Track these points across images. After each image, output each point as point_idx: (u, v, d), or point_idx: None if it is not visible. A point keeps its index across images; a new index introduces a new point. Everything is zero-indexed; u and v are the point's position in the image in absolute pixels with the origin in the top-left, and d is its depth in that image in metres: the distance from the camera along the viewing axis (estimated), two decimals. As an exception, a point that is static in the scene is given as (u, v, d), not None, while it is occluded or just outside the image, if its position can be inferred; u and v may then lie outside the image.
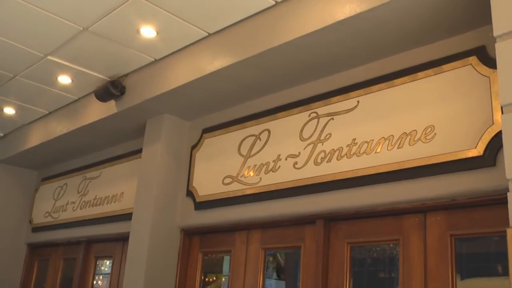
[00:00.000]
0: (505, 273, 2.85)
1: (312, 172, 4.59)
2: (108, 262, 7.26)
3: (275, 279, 5.90)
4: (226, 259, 5.71)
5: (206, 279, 5.92)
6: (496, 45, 3.12)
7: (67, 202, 7.83)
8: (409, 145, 4.00)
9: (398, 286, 4.03)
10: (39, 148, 7.68)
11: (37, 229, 8.35)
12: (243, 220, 5.11)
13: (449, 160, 3.75)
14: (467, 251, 4.03)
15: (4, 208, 8.36)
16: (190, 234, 5.75)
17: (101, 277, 7.48)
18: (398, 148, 4.06)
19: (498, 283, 3.64)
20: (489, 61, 3.66)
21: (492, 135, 3.55)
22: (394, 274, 4.43)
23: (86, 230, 7.20)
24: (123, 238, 6.37)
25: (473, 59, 3.81)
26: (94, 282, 7.34)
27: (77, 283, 7.31)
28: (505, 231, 2.77)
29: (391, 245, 4.95)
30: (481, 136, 3.61)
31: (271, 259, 5.43)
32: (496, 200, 3.46)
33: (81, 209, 7.43)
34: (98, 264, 7.42)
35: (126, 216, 6.25)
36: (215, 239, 5.56)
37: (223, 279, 5.82)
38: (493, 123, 3.57)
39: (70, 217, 7.62)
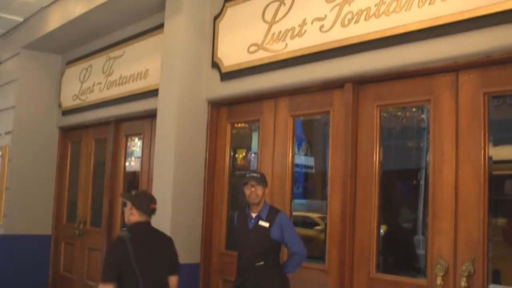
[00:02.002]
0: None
1: (339, 35, 4.44)
2: (139, 143, 7.39)
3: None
4: (255, 135, 5.73)
5: (236, 155, 5.99)
6: None
7: (93, 84, 7.86)
8: (441, 0, 3.79)
9: (428, 153, 4.01)
10: (60, 31, 7.60)
11: (67, 112, 8.48)
12: (270, 88, 5.05)
13: (484, 14, 3.55)
14: (500, 117, 3.93)
15: (33, 94, 8.45)
16: (217, 105, 5.75)
17: (133, 158, 7.65)
18: (429, 4, 3.86)
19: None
20: None
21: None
22: (423, 143, 4.39)
23: (114, 110, 7.28)
24: (152, 115, 6.42)
25: None
26: (127, 163, 7.52)
27: (110, 164, 7.51)
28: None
29: (421, 112, 4.89)
30: (520, -14, 3.39)
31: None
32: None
33: (107, 89, 7.46)
34: (129, 145, 7.56)
35: (153, 93, 6.26)
36: (243, 109, 5.56)
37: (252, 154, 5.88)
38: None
39: (97, 98, 7.68)
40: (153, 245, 3.80)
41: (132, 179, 7.56)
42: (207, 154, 5.69)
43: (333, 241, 4.50)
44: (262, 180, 4.16)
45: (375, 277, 4.20)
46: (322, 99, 4.76)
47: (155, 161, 5.83)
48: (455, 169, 3.79)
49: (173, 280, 3.84)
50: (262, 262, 4.04)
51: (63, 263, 8.55)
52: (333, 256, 4.49)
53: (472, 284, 3.62)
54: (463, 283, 3.61)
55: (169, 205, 5.41)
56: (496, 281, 3.71)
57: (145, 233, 3.79)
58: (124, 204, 3.93)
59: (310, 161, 7.02)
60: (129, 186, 7.50)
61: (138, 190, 3.97)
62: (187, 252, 5.47)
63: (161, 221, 5.45)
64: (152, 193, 5.63)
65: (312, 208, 5.76)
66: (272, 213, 4.14)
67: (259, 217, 4.14)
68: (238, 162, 6.18)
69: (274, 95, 5.13)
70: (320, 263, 4.66)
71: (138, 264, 3.55)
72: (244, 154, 6.19)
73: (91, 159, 8.20)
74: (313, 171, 6.98)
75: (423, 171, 4.33)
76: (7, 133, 8.41)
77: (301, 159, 6.27)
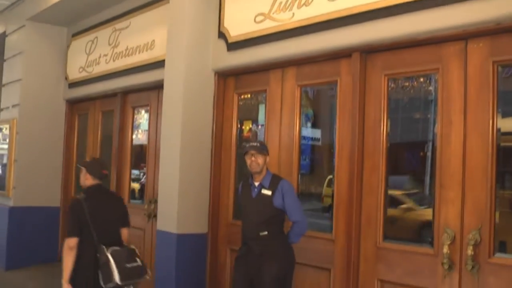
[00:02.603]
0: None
1: (346, 3, 4.39)
2: (145, 116, 7.39)
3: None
4: (262, 107, 5.71)
5: (243, 127, 5.98)
6: None
7: (99, 56, 7.83)
8: (451, -33, 3.74)
9: (436, 125, 3.99)
10: (65, 2, 7.56)
11: (73, 84, 8.47)
12: (277, 58, 5.01)
13: (494, -19, 3.51)
14: (509, 89, 3.90)
15: (39, 67, 8.45)
16: (224, 76, 5.72)
17: (140, 131, 7.66)
18: (438, -29, 3.80)
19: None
20: None
21: None
22: (430, 115, 4.37)
23: (121, 81, 7.26)
24: (158, 86, 6.41)
25: None
26: (134, 136, 7.53)
27: (117, 136, 7.53)
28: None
29: (428, 83, 4.85)
30: None
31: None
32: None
33: (114, 61, 7.44)
34: (136, 118, 7.56)
35: (159, 64, 6.23)
36: (250, 79, 5.53)
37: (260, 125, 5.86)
38: None
39: (104, 69, 7.66)
40: (105, 203, 4.40)
41: (140, 151, 7.59)
42: (214, 125, 5.68)
43: (340, 210, 4.51)
44: (262, 149, 4.17)
45: (382, 246, 4.23)
46: (329, 69, 4.73)
47: (162, 132, 5.83)
48: (463, 139, 3.77)
49: (124, 231, 4.47)
50: (266, 232, 4.06)
51: (72, 234, 8.63)
52: (340, 226, 4.50)
53: (479, 253, 3.63)
54: (469, 252, 3.62)
55: (177, 177, 5.42)
56: (502, 251, 3.73)
57: (98, 193, 4.39)
58: (80, 170, 4.50)
59: (317, 133, 7.02)
60: (137, 159, 7.53)
61: (92, 158, 4.50)
62: (195, 222, 5.53)
63: (169, 192, 5.51)
64: (160, 165, 5.70)
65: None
66: (274, 181, 4.15)
67: (261, 186, 4.16)
68: (245, 134, 6.18)
69: (281, 65, 5.10)
70: (327, 233, 4.69)
71: (92, 219, 4.14)
72: (251, 126, 6.18)
73: (98, 131, 8.22)
74: (319, 143, 6.98)
75: (430, 143, 4.32)
76: (14, 106, 8.43)
77: (308, 131, 6.26)
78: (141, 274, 4.24)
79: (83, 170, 4.44)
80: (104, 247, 4.08)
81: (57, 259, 8.55)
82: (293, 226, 4.18)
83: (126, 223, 4.53)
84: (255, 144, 4.21)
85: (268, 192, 4.11)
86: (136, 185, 7.78)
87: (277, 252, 4.09)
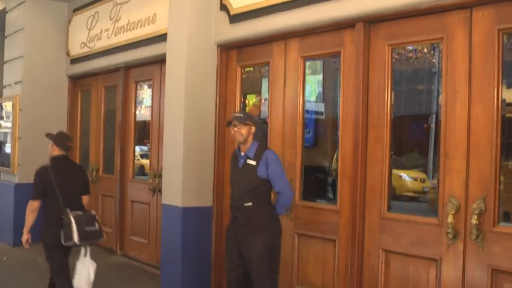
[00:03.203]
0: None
1: (349, -27, 4.34)
2: (148, 91, 7.37)
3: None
4: (265, 81, 5.69)
5: (246, 101, 5.97)
6: None
7: (101, 31, 7.78)
8: None
9: (440, 96, 3.96)
10: (65, -23, 7.49)
11: (75, 60, 8.44)
12: (280, 29, 4.97)
13: None
14: None
15: (41, 43, 8.41)
16: (227, 48, 5.69)
17: (143, 106, 7.66)
18: None
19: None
20: None
21: None
22: (434, 86, 4.35)
23: (123, 56, 7.23)
24: (161, 60, 6.38)
25: None
26: (137, 112, 7.52)
27: (120, 111, 7.53)
28: None
29: (432, 53, 4.81)
30: None
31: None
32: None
33: (115, 35, 7.39)
34: (139, 94, 7.55)
35: (161, 38, 6.20)
36: (253, 51, 5.49)
37: (263, 99, 5.86)
38: None
39: (105, 45, 7.63)
40: (69, 172, 4.84)
41: (143, 127, 7.60)
42: (217, 97, 5.66)
43: (345, 181, 4.52)
44: (244, 119, 4.15)
45: (387, 216, 4.24)
46: (332, 40, 4.69)
47: (165, 106, 5.82)
48: (467, 108, 3.75)
49: (84, 198, 4.94)
50: (251, 203, 4.08)
51: (78, 210, 8.69)
52: (345, 197, 4.52)
53: (483, 222, 3.64)
54: (474, 221, 3.63)
55: (180, 151, 5.43)
56: (507, 221, 3.74)
57: (63, 163, 4.82)
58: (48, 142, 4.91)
59: (321, 107, 7.02)
60: (140, 135, 7.54)
61: (59, 131, 5.00)
62: (200, 195, 5.55)
63: (173, 166, 5.52)
64: (164, 139, 5.71)
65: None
66: (259, 151, 4.15)
67: (247, 156, 4.16)
68: (248, 108, 6.17)
69: (284, 36, 5.06)
70: (332, 204, 4.71)
71: (58, 184, 4.62)
72: (254, 99, 6.17)
73: (101, 106, 8.22)
74: (323, 117, 6.98)
75: (434, 116, 4.31)
76: (17, 83, 8.41)
77: (312, 105, 6.25)
78: (98, 237, 4.77)
79: (51, 142, 4.89)
80: (68, 210, 4.57)
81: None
82: (277, 196, 4.18)
83: (87, 191, 5.00)
84: (238, 115, 4.21)
85: (253, 162, 4.11)
86: (145, 161, 7.83)
87: (261, 224, 4.09)
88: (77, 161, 8.64)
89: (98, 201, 8.14)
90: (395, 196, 8.41)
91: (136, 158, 7.78)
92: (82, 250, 4.70)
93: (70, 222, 4.50)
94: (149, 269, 6.79)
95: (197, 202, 5.46)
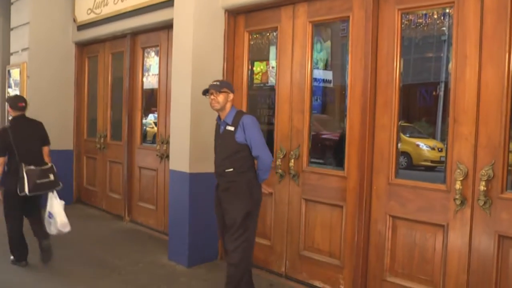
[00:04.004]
0: None
1: None
2: (156, 59, 7.32)
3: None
4: (272, 48, 5.63)
5: (254, 68, 5.92)
6: None
7: (107, -4, 7.71)
8: None
9: (450, 64, 3.90)
10: None
11: (82, 27, 8.38)
12: (288, -8, 4.90)
13: None
14: None
15: (47, 9, 8.34)
16: (234, 13, 5.62)
17: (150, 74, 7.62)
18: None
19: None
20: None
21: None
22: (443, 54, 4.28)
23: (130, 22, 7.17)
24: (168, 26, 6.33)
25: None
26: (144, 79, 7.49)
27: (128, 78, 7.49)
28: None
29: (442, 19, 4.73)
30: None
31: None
32: None
33: (122, 1, 7.31)
34: (146, 61, 7.50)
35: (168, 3, 6.11)
36: (261, 16, 5.42)
37: (272, 65, 5.80)
38: None
39: (112, 10, 7.54)
40: (26, 129, 5.39)
41: (150, 95, 7.57)
42: (225, 63, 5.62)
43: (353, 147, 4.51)
44: (220, 87, 4.17)
45: (394, 182, 4.23)
46: (341, 4, 4.62)
47: (173, 71, 5.78)
48: (477, 73, 3.71)
49: (45, 149, 5.52)
50: (231, 169, 4.12)
51: (86, 176, 8.76)
52: (353, 163, 4.51)
53: (491, 188, 3.63)
54: (482, 187, 3.63)
55: (188, 117, 5.42)
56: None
57: (20, 122, 5.38)
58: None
59: (329, 75, 6.95)
60: (148, 102, 7.52)
61: (14, 95, 5.96)
62: (207, 161, 5.52)
63: (180, 133, 5.51)
64: (171, 105, 5.69)
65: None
66: (237, 117, 4.15)
67: (225, 123, 4.18)
68: (256, 75, 6.12)
69: (292, 1, 4.98)
70: (339, 170, 4.70)
71: (15, 142, 5.19)
72: (261, 67, 6.11)
73: (108, 73, 8.20)
74: (331, 85, 6.93)
75: (443, 84, 4.26)
76: (24, 49, 8.37)
77: (320, 73, 6.19)
78: (51, 187, 5.36)
79: (7, 105, 5.61)
80: (23, 165, 5.14)
81: (73, 201, 8.71)
82: (257, 162, 4.19)
83: (46, 142, 5.57)
84: (215, 83, 4.23)
85: (231, 128, 4.13)
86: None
87: (239, 190, 4.12)
88: (84, 129, 8.71)
89: (106, 168, 8.19)
90: (412, 165, 8.42)
91: (150, 126, 7.79)
92: (49, 197, 5.34)
93: (23, 176, 5.12)
94: (156, 234, 6.86)
95: (204, 168, 5.46)
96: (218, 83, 4.22)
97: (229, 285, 4.16)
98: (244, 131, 4.08)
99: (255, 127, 4.14)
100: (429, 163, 8.22)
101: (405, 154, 9.18)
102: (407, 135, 9.41)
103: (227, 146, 4.15)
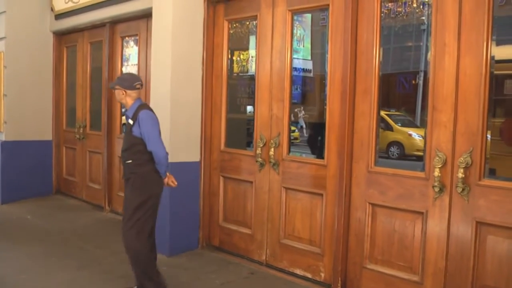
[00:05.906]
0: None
1: None
2: (135, 48, 7.26)
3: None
4: (252, 38, 5.61)
5: (233, 57, 5.90)
6: None
7: (85, -16, 7.60)
8: None
9: (429, 52, 3.92)
10: None
11: (60, 16, 8.25)
12: (268, -18, 4.87)
13: None
14: (504, 15, 3.80)
15: (24, -3, 8.20)
16: (214, 2, 5.59)
17: (129, 63, 7.55)
18: None
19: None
20: None
21: None
22: (423, 43, 4.30)
23: (109, 11, 7.08)
24: (147, 15, 6.28)
25: None
26: (124, 68, 7.43)
27: (107, 67, 7.43)
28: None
29: (421, 9, 4.76)
30: None
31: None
32: None
33: (100, -11, 7.23)
34: (125, 51, 7.43)
35: (147, -8, 6.06)
36: (240, 5, 5.39)
37: (251, 55, 5.79)
38: None
39: (90, -1, 7.46)
40: None
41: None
42: (205, 52, 5.60)
43: (332, 136, 4.52)
44: (114, 84, 4.29)
45: (374, 170, 4.26)
46: (321, -8, 4.61)
47: (152, 61, 5.74)
48: (456, 61, 3.73)
49: None
50: (130, 160, 4.19)
51: (66, 167, 8.68)
52: (332, 151, 4.52)
53: (469, 175, 3.67)
54: (460, 174, 3.66)
55: (168, 105, 5.39)
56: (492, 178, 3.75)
57: None
58: None
59: (309, 64, 6.97)
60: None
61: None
62: (187, 150, 5.55)
63: (161, 122, 5.47)
64: (150, 94, 5.65)
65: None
66: (137, 111, 4.20)
67: (128, 116, 4.25)
68: (236, 64, 6.10)
69: (271, 1, 4.99)
70: (319, 158, 4.71)
71: None
72: (241, 56, 6.09)
73: (87, 63, 8.11)
74: (311, 74, 6.95)
75: (422, 74, 4.28)
76: (0, 39, 8.23)
77: (300, 62, 6.20)
78: None
79: None
80: None
81: (52, 192, 8.63)
82: (154, 156, 4.21)
83: None
84: (112, 82, 4.44)
85: (131, 122, 4.21)
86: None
87: (137, 181, 4.18)
88: (64, 119, 8.62)
89: (85, 158, 8.12)
90: (405, 155, 8.47)
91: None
92: None
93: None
94: (137, 225, 6.82)
95: (185, 157, 5.45)
96: (114, 81, 4.43)
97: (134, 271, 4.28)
98: (140, 126, 4.13)
99: (150, 122, 4.18)
100: (421, 153, 8.30)
101: (397, 143, 9.27)
102: (399, 125, 9.49)
103: (127, 139, 4.26)
